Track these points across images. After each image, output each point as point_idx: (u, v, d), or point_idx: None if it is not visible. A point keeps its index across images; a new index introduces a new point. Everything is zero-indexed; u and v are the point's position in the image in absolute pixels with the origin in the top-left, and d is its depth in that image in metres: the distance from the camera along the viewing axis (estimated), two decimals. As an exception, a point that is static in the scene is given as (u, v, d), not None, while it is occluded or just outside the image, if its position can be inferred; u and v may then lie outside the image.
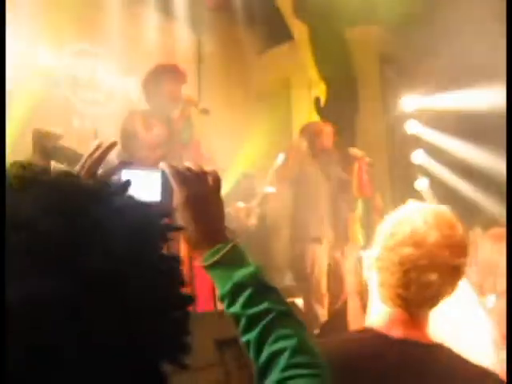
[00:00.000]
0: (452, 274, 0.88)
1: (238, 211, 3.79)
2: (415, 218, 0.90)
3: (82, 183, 0.40)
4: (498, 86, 3.86)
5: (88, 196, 0.38)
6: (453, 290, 0.90)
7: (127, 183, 0.43)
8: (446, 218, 0.91)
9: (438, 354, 0.90)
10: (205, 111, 2.62)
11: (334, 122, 5.81)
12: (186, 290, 0.41)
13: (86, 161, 0.76)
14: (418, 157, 5.40)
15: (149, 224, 0.40)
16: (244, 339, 0.67)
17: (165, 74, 2.56)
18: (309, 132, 3.85)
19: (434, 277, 0.84)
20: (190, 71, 4.58)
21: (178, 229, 0.45)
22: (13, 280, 0.31)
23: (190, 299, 0.41)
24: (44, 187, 0.37)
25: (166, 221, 0.43)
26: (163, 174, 0.70)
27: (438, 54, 4.89)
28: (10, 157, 3.73)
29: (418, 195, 5.01)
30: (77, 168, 0.76)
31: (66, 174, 0.40)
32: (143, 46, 5.51)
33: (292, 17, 5.68)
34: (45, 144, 3.50)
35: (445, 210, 0.94)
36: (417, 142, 5.43)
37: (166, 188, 0.70)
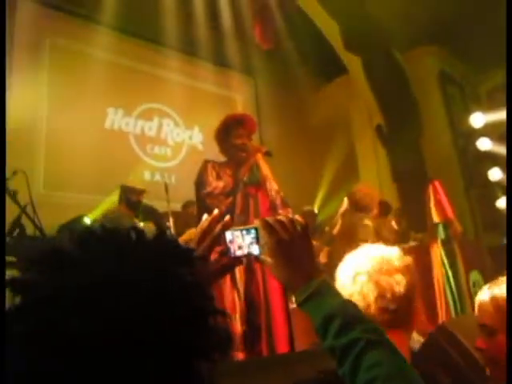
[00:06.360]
0: (404, 301, 1.01)
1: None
2: (360, 264, 1.06)
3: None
4: None
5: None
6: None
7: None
8: (388, 264, 1.04)
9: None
10: (268, 154, 2.65)
11: (398, 146, 5.68)
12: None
13: (204, 238, 0.81)
14: (496, 174, 5.08)
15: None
16: (340, 373, 0.66)
17: (235, 126, 2.59)
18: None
19: (392, 306, 1.00)
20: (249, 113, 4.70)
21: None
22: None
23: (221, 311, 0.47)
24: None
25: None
26: (257, 229, 0.77)
27: (501, 66, 4.67)
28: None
29: (501, 214, 4.70)
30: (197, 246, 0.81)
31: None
32: (203, 97, 5.76)
33: (343, 50, 5.71)
34: (130, 197, 3.76)
35: (387, 255, 1.06)
36: (492, 159, 5.12)
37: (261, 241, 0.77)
